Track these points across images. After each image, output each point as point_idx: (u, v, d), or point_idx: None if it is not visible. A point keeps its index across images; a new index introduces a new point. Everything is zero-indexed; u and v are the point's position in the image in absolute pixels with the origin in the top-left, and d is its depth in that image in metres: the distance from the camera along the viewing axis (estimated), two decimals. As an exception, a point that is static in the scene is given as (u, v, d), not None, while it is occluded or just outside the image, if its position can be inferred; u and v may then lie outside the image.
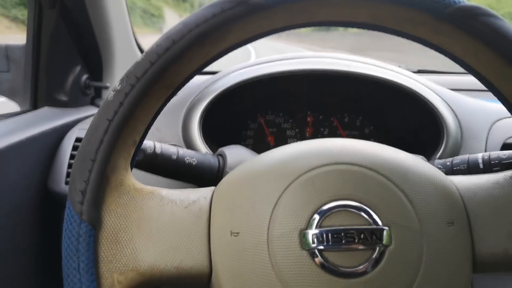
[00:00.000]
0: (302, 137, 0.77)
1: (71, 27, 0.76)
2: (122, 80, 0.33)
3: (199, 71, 0.35)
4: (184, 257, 0.33)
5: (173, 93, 0.35)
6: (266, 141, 0.77)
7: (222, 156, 0.55)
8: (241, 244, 0.32)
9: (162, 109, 0.35)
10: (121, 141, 0.33)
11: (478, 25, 0.31)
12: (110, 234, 0.33)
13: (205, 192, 0.37)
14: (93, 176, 0.32)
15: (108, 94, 0.33)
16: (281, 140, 0.77)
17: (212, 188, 0.37)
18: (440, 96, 0.64)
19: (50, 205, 0.69)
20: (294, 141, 0.78)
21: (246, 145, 0.76)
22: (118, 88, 0.33)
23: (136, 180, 0.36)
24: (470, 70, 0.34)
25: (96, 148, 0.32)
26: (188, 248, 0.33)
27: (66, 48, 0.77)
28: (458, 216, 0.33)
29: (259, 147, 0.77)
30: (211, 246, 0.33)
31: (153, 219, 0.34)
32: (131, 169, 0.36)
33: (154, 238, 0.33)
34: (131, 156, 0.35)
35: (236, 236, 0.32)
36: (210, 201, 0.35)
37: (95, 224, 0.32)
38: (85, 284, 0.31)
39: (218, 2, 0.32)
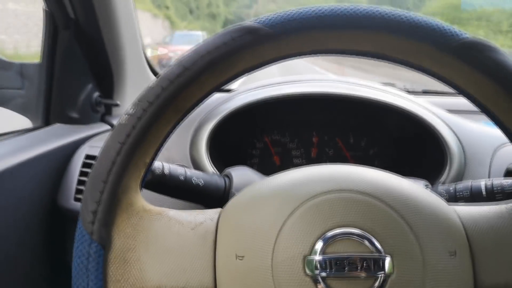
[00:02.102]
0: (307, 157, 0.78)
1: (85, 46, 0.78)
2: (135, 104, 0.34)
3: (209, 95, 0.36)
4: (190, 278, 0.33)
5: (183, 116, 0.36)
6: (272, 160, 0.78)
7: (229, 177, 0.56)
8: (245, 267, 0.32)
9: (172, 131, 0.36)
10: (133, 163, 0.34)
11: (482, 60, 0.31)
12: (118, 254, 0.34)
13: (212, 214, 0.37)
14: (105, 197, 0.33)
15: (121, 118, 0.34)
16: (287, 160, 0.78)
17: (219, 209, 0.38)
18: (443, 121, 0.64)
19: (58, 221, 0.70)
20: (299, 161, 0.79)
21: (252, 164, 0.78)
22: (131, 112, 0.34)
23: (145, 200, 0.37)
24: (474, 101, 0.34)
25: (108, 170, 0.33)
26: (194, 269, 0.34)
27: (79, 66, 0.79)
28: (460, 246, 0.33)
29: (265, 166, 0.78)
30: (217, 268, 0.34)
31: (160, 239, 0.35)
32: (141, 189, 0.37)
33: (161, 258, 0.34)
34: (141, 177, 0.36)
35: (241, 259, 0.33)
36: (216, 223, 0.36)
37: (104, 244, 0.33)
38: None
39: (228, 31, 0.33)
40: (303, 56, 0.35)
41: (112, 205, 0.34)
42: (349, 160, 0.76)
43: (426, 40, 0.32)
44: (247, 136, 0.77)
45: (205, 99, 0.36)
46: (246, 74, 0.36)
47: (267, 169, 0.77)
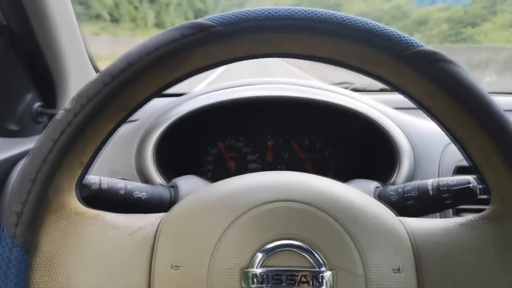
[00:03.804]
0: (262, 161, 0.76)
1: (22, 54, 0.73)
2: (73, 100, 0.31)
3: (157, 94, 0.33)
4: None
5: (127, 115, 0.34)
6: (227, 166, 0.76)
7: (175, 187, 0.54)
8: (181, 278, 0.31)
9: (115, 131, 0.34)
10: (66, 162, 0.32)
11: (435, 70, 0.31)
12: (44, 259, 0.31)
13: (153, 219, 0.35)
14: (32, 197, 0.30)
15: (57, 113, 0.32)
16: (242, 165, 0.76)
17: (161, 215, 0.36)
18: (393, 120, 0.64)
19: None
20: (255, 166, 0.77)
21: (206, 172, 0.75)
22: (68, 107, 0.31)
23: (80, 203, 0.34)
24: (428, 112, 0.33)
25: (37, 168, 0.31)
26: (127, 278, 0.31)
27: (16, 76, 0.74)
28: (406, 262, 0.32)
29: (220, 173, 0.76)
30: (152, 278, 0.32)
31: (92, 245, 0.32)
32: (78, 191, 0.34)
33: (91, 266, 0.31)
34: (78, 177, 0.33)
35: (177, 269, 0.31)
36: (156, 229, 0.34)
37: (28, 248, 0.31)
38: None
39: (179, 27, 0.31)
40: (257, 57, 0.33)
41: (40, 207, 0.31)
42: (305, 163, 0.75)
43: (380, 47, 0.31)
44: (200, 142, 0.74)
45: (151, 98, 0.33)
46: (197, 74, 0.33)
47: (222, 176, 0.74)
